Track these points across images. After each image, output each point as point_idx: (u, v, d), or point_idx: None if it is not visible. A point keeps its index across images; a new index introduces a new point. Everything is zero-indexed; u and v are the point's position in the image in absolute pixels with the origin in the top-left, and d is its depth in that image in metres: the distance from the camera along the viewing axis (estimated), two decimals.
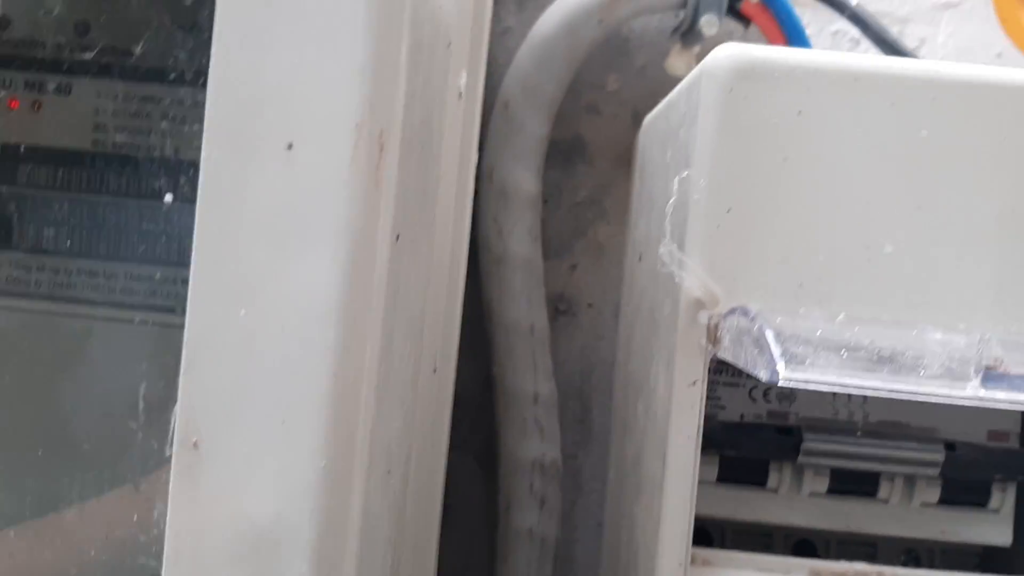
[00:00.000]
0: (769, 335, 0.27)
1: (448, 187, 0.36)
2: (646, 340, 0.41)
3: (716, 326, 0.33)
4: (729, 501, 0.37)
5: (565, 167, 0.54)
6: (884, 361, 0.27)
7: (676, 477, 0.34)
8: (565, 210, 0.55)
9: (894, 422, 0.37)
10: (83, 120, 0.35)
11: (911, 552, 0.39)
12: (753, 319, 0.29)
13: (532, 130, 0.50)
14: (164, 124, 0.33)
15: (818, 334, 0.28)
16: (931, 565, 0.39)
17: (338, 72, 0.23)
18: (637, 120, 0.54)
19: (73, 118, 0.35)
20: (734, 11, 0.50)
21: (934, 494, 0.36)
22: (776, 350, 0.27)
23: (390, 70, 0.24)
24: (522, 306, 0.50)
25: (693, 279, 0.33)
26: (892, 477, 0.36)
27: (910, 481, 0.36)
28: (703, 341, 0.34)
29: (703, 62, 0.34)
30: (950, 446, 0.36)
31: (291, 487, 0.24)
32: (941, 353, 0.27)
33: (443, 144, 0.36)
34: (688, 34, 0.51)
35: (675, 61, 0.52)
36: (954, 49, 0.54)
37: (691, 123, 0.35)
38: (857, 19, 0.46)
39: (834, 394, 0.37)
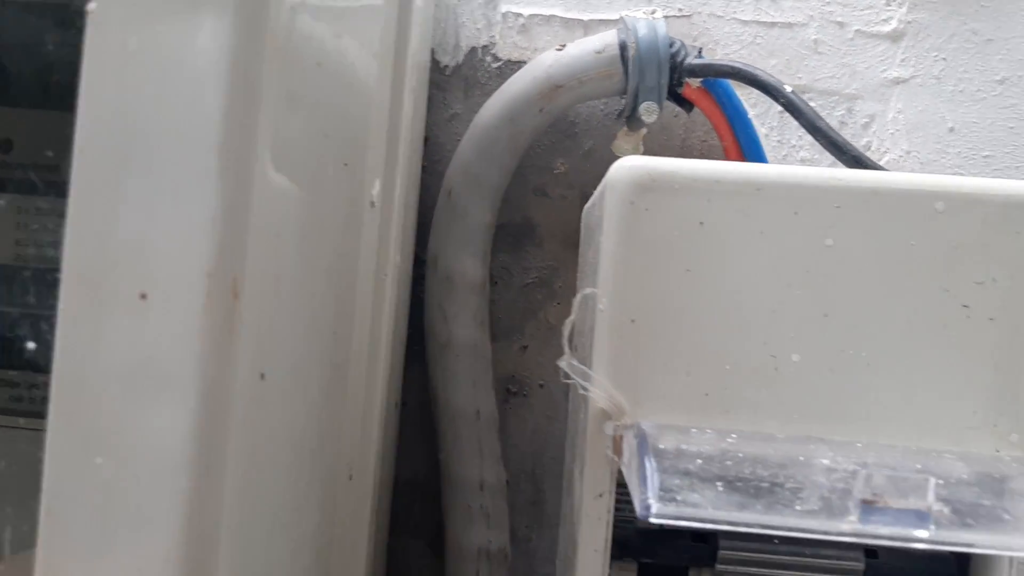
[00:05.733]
0: (648, 466, 0.27)
1: (364, 295, 0.37)
2: (572, 439, 0.41)
3: (621, 438, 0.33)
4: None
5: (514, 250, 0.54)
6: (762, 494, 0.26)
7: None
8: (515, 292, 0.54)
9: None
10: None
11: None
12: (641, 440, 0.29)
13: (476, 217, 0.51)
14: None
15: (699, 463, 0.28)
16: None
17: (188, 223, 0.24)
18: (585, 202, 0.54)
19: None
20: (676, 95, 0.50)
21: None
22: (651, 484, 0.26)
23: (243, 216, 0.24)
24: (467, 391, 0.50)
25: (598, 390, 0.33)
26: None
27: None
28: (609, 452, 0.33)
29: (607, 174, 0.34)
30: (871, 553, 0.35)
31: None
32: (824, 484, 0.27)
33: (359, 254, 0.36)
34: (631, 119, 0.51)
35: (622, 144, 0.53)
36: (904, 125, 0.54)
37: (599, 232, 0.35)
38: (792, 107, 0.46)
39: None
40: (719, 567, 0.35)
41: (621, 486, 0.37)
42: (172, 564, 0.23)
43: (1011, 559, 0.33)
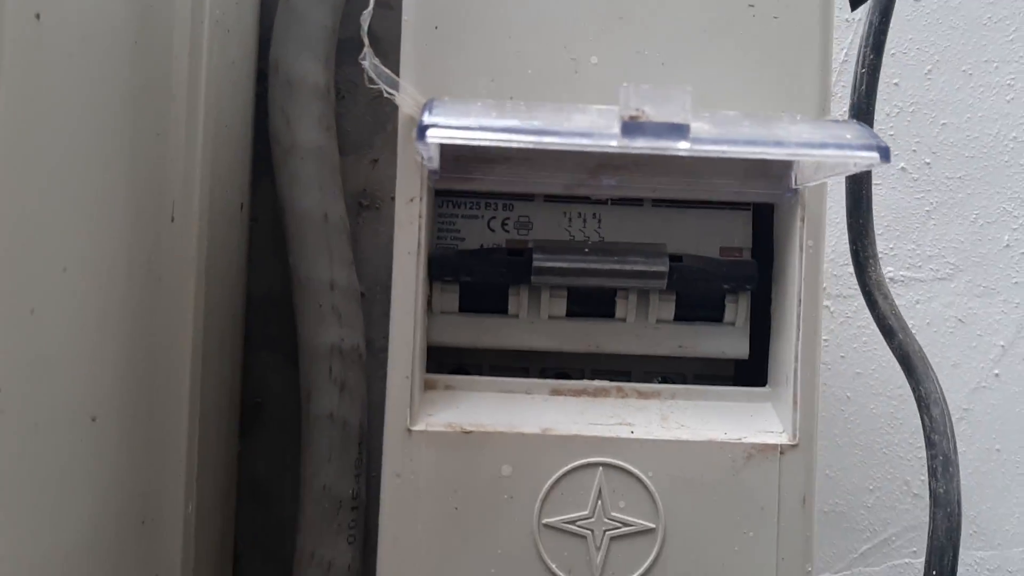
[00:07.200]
0: (427, 107, 0.28)
1: (180, 48, 0.37)
2: None
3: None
4: (471, 329, 0.38)
5: (360, 63, 0.55)
6: (534, 121, 0.27)
7: (400, 296, 0.35)
8: (363, 106, 0.55)
9: (626, 242, 0.38)
10: None
11: (667, 377, 0.40)
12: (428, 102, 0.30)
13: (315, 20, 0.51)
14: None
15: (478, 105, 0.29)
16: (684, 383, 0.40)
17: None
18: None
19: None
20: None
21: (668, 310, 0.38)
22: (428, 114, 0.27)
23: None
24: (314, 195, 0.51)
25: (405, 97, 0.34)
26: (627, 295, 0.37)
27: (644, 298, 0.37)
28: (418, 157, 0.34)
29: None
30: (676, 258, 0.37)
31: None
32: (594, 115, 0.28)
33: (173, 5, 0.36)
34: None
35: None
36: None
37: None
38: None
39: (570, 220, 0.38)
40: (534, 279, 0.36)
41: (443, 216, 0.38)
42: None
43: (802, 266, 0.35)
